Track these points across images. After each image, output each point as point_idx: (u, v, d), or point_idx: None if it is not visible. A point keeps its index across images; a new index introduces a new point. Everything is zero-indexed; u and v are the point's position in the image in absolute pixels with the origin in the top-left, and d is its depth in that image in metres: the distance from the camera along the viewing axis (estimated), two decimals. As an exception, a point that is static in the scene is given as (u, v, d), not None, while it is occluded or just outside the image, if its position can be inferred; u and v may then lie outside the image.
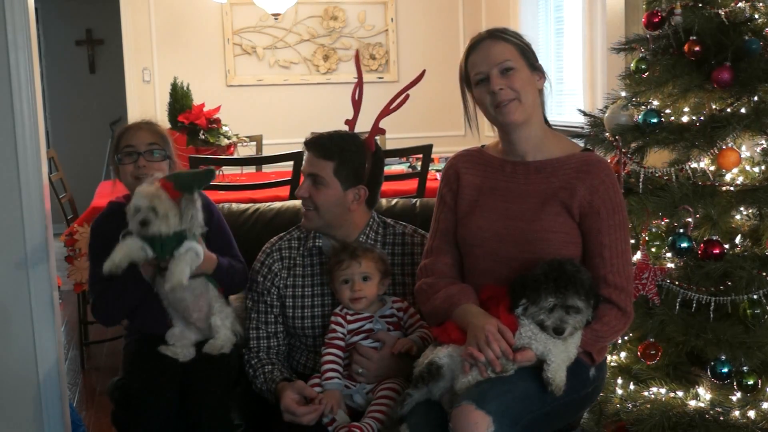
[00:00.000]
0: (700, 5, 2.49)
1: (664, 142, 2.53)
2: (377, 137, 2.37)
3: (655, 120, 2.52)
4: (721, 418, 2.44)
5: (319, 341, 2.27)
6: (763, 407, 2.45)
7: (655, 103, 2.61)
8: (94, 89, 8.29)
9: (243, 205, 2.83)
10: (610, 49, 2.80)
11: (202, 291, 2.33)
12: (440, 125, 6.50)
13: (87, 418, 3.67)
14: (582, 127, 2.80)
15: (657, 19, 2.58)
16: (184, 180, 2.23)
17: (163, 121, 3.80)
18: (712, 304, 2.44)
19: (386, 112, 2.39)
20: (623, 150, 2.56)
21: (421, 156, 4.17)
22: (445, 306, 2.07)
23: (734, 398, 2.48)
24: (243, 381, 2.33)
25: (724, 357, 2.42)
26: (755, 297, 2.41)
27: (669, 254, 2.55)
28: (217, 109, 4.89)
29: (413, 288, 2.23)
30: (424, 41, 6.74)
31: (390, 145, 5.48)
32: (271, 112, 6.52)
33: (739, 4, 2.48)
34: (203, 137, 4.66)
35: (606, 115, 2.65)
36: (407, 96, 2.37)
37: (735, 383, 2.45)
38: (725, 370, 2.42)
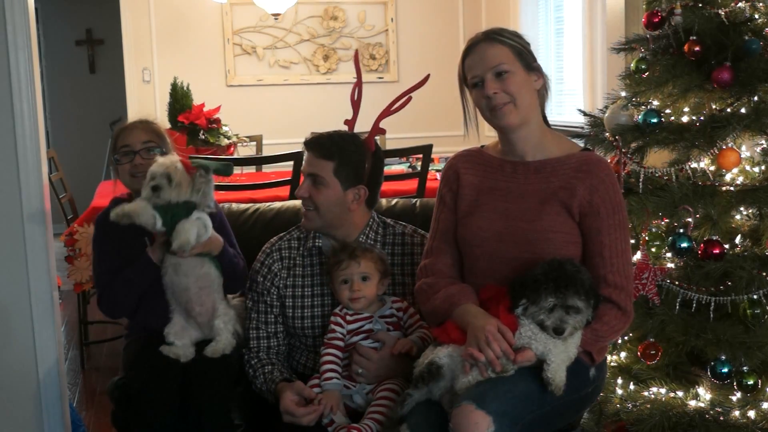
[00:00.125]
0: (700, 5, 2.49)
1: (664, 142, 2.53)
2: (377, 137, 2.37)
3: (655, 120, 2.52)
4: (721, 418, 2.44)
5: (318, 341, 2.27)
6: (763, 407, 2.45)
7: (655, 103, 2.61)
8: (94, 89, 8.29)
9: (243, 205, 2.83)
10: (610, 49, 2.80)
11: (207, 284, 2.34)
12: (440, 125, 6.50)
13: (87, 418, 3.67)
14: (582, 127, 2.80)
15: (657, 19, 2.58)
16: (202, 161, 2.31)
17: (163, 121, 3.80)
18: (712, 304, 2.44)
19: (387, 112, 2.39)
20: (623, 150, 2.57)
21: (421, 156, 4.17)
22: (445, 306, 2.07)
23: (734, 398, 2.48)
24: (243, 381, 2.33)
25: (724, 357, 2.42)
26: (755, 297, 2.41)
27: (669, 254, 2.55)
28: (217, 109, 4.89)
29: (413, 288, 2.23)
30: (424, 41, 6.74)
31: (390, 145, 5.48)
32: (271, 112, 6.52)
33: (739, 4, 2.48)
34: (203, 137, 4.66)
35: (606, 115, 2.65)
36: (410, 98, 2.37)
37: (735, 383, 2.45)
38: (725, 370, 2.42)
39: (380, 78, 6.68)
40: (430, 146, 4.13)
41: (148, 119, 2.50)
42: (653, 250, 2.53)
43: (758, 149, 2.59)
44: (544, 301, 1.91)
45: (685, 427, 2.44)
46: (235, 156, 4.86)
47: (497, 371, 1.89)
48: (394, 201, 2.79)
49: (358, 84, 2.39)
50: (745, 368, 2.43)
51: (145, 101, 6.31)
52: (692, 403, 2.49)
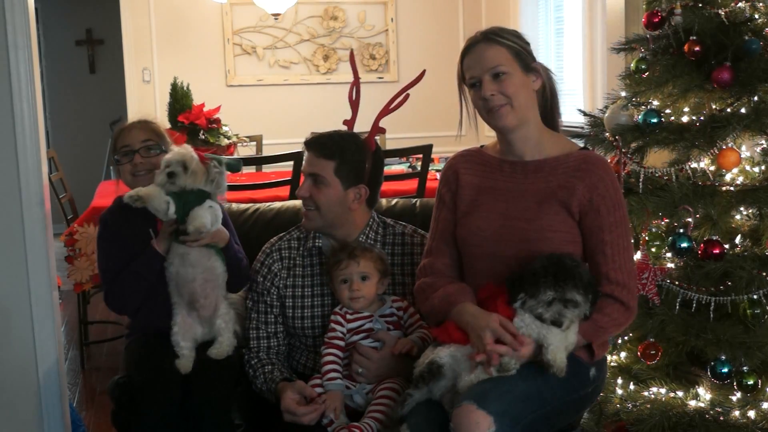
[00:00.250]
0: (700, 5, 2.49)
1: (664, 142, 2.53)
2: (377, 137, 2.37)
3: (655, 120, 2.52)
4: (721, 418, 2.44)
5: (319, 341, 2.27)
6: (763, 407, 2.45)
7: (655, 103, 2.61)
8: (94, 89, 8.28)
9: (243, 205, 2.83)
10: (610, 49, 2.80)
11: (213, 278, 2.34)
12: (440, 125, 6.49)
13: (87, 418, 3.67)
14: (582, 127, 2.80)
15: (657, 19, 2.58)
16: (214, 155, 2.36)
17: (163, 121, 3.80)
18: (712, 304, 2.44)
19: (386, 111, 2.39)
20: (623, 150, 2.57)
21: (421, 156, 4.17)
22: (443, 305, 2.07)
23: (734, 398, 2.48)
24: (244, 381, 2.33)
25: (724, 357, 2.42)
26: (755, 297, 2.41)
27: (669, 254, 2.55)
28: (217, 109, 4.89)
29: (413, 288, 2.23)
30: (424, 41, 6.74)
31: (390, 145, 5.48)
32: (271, 112, 6.52)
33: (739, 4, 2.48)
34: (203, 137, 4.66)
35: (606, 115, 2.65)
36: (407, 95, 2.37)
37: (735, 383, 2.45)
38: (725, 370, 2.42)
39: (380, 78, 6.68)
40: (430, 146, 4.13)
41: (147, 119, 2.52)
42: (653, 250, 2.54)
43: (758, 149, 2.59)
44: (543, 295, 1.91)
45: (685, 427, 2.44)
46: (235, 156, 4.86)
47: (505, 368, 1.90)
48: (394, 201, 2.79)
49: (356, 83, 2.40)
50: (745, 368, 2.42)
51: (145, 101, 6.31)
52: (692, 403, 2.49)
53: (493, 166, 2.17)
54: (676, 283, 2.49)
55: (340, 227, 2.31)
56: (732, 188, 2.51)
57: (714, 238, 2.47)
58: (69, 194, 4.80)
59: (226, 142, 4.72)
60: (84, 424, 3.23)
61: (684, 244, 2.46)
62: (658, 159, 2.67)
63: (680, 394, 2.52)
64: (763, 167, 2.55)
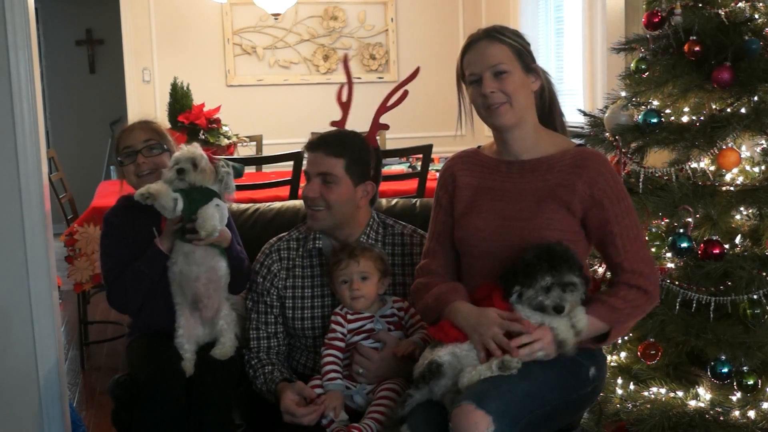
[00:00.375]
0: (700, 5, 2.49)
1: (664, 142, 2.53)
2: (378, 136, 2.37)
3: (655, 120, 2.52)
4: (721, 418, 2.44)
5: (319, 342, 2.27)
6: (763, 407, 2.45)
7: (655, 103, 2.61)
8: (94, 89, 8.28)
9: (243, 205, 2.83)
10: (610, 49, 2.80)
11: (216, 278, 2.34)
12: (440, 125, 6.49)
13: (87, 418, 3.67)
14: (582, 127, 2.80)
15: (657, 19, 2.58)
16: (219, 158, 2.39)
17: (163, 121, 3.80)
18: (712, 304, 2.44)
19: (384, 108, 2.39)
20: (623, 150, 2.56)
21: (421, 156, 4.17)
22: (436, 304, 2.08)
23: (734, 398, 2.48)
24: (244, 381, 2.33)
25: (724, 357, 2.42)
26: (755, 297, 2.40)
27: (669, 254, 2.55)
28: (217, 109, 4.89)
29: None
30: (424, 41, 6.74)
31: (390, 145, 5.48)
32: (271, 112, 6.52)
33: (739, 4, 2.48)
34: (203, 137, 4.66)
35: (606, 115, 2.65)
36: (406, 92, 2.38)
37: (735, 383, 2.44)
38: (725, 370, 2.42)
39: (380, 78, 6.68)
40: (430, 146, 4.13)
41: (148, 119, 2.52)
42: (653, 250, 2.53)
43: (758, 149, 2.58)
44: (540, 281, 1.92)
45: (685, 427, 2.44)
46: (235, 156, 4.86)
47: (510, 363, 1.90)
48: (394, 201, 2.79)
49: (349, 86, 2.39)
50: (745, 368, 2.42)
51: (145, 101, 6.31)
52: (692, 403, 2.49)
53: (490, 167, 2.17)
54: (676, 283, 2.49)
55: (346, 226, 2.31)
56: (732, 188, 2.51)
57: (714, 238, 2.47)
58: (69, 194, 4.80)
59: (226, 142, 4.73)
60: (84, 424, 3.23)
61: (684, 244, 2.46)
62: (658, 159, 2.67)
63: (680, 394, 2.52)
64: (763, 167, 2.55)
